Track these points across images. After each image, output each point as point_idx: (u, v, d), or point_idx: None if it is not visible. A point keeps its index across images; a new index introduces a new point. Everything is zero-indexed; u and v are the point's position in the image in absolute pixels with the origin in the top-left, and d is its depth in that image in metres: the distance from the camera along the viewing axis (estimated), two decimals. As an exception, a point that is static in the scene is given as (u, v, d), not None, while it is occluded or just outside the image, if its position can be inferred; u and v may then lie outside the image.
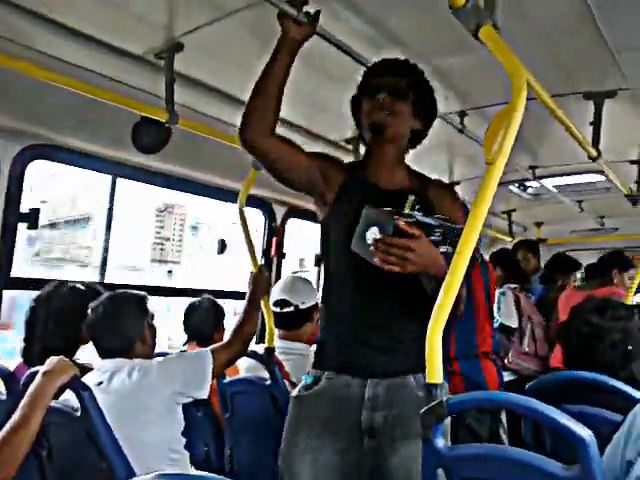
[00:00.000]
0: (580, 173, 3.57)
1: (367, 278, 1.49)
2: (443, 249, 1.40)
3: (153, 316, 1.97)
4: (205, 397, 1.86)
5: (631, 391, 1.73)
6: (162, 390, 1.77)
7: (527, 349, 3.31)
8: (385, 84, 1.59)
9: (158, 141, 2.27)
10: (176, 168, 2.64)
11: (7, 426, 1.49)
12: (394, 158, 1.66)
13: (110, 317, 1.84)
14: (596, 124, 2.38)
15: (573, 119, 2.07)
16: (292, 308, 2.53)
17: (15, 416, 1.51)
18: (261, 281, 2.22)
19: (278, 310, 2.57)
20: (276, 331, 2.59)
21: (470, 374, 2.64)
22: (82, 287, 2.09)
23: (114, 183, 2.53)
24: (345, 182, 1.63)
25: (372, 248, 1.34)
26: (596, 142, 2.39)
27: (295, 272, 2.77)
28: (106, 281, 2.64)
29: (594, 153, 2.39)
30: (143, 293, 1.96)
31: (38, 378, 1.58)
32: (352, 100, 1.72)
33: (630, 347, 1.95)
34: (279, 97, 1.51)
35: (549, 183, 3.63)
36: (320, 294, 1.75)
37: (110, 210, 2.59)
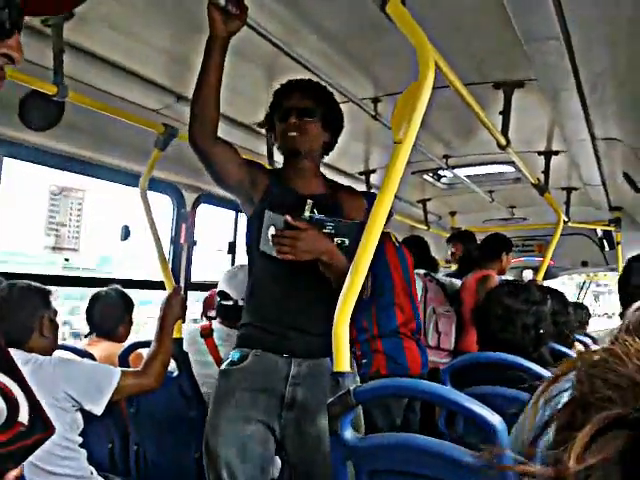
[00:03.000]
0: (491, 163, 3.66)
1: (286, 270, 1.69)
2: (338, 240, 1.64)
3: (56, 312, 1.87)
4: (98, 414, 1.74)
5: (541, 370, 1.79)
6: (53, 388, 1.67)
7: (430, 342, 3.33)
8: (294, 105, 1.78)
9: (49, 117, 2.07)
10: (72, 148, 2.44)
11: None
12: (309, 169, 1.86)
13: (7, 305, 1.75)
14: (505, 113, 2.42)
15: (484, 108, 2.08)
16: (231, 302, 2.48)
17: None
18: (174, 305, 2.05)
19: (218, 300, 2.54)
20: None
21: (392, 353, 2.69)
22: None
23: (0, 163, 2.29)
24: (268, 187, 1.82)
25: (270, 243, 1.58)
26: (505, 131, 2.43)
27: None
28: (-3, 270, 2.42)
29: (503, 142, 2.42)
30: (49, 287, 1.87)
31: None
32: (266, 117, 1.91)
33: (542, 330, 2.00)
34: (219, 95, 1.64)
35: (462, 173, 3.68)
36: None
37: (-5, 192, 2.35)
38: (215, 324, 2.52)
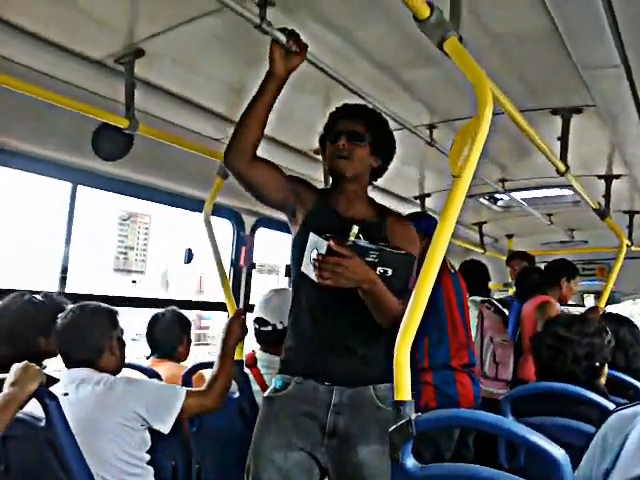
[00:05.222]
0: (549, 187, 3.60)
1: (329, 294, 1.60)
2: (380, 269, 1.57)
3: (123, 331, 1.94)
4: (166, 433, 1.78)
5: (603, 401, 1.75)
6: (122, 408, 1.73)
7: (487, 372, 3.25)
8: (344, 130, 1.76)
9: (119, 148, 2.20)
10: (140, 176, 2.57)
11: None
12: (355, 192, 1.82)
13: (78, 326, 1.82)
14: (564, 139, 2.40)
15: (541, 134, 2.07)
16: (270, 328, 2.45)
17: None
18: (236, 327, 2.05)
19: (257, 327, 2.51)
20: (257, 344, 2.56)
21: (443, 386, 2.61)
22: (39, 298, 2.02)
23: (74, 190, 2.44)
24: (314, 206, 1.80)
25: (312, 267, 1.52)
26: (564, 156, 2.41)
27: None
28: (67, 291, 2.55)
29: (562, 167, 2.40)
30: (114, 308, 1.93)
31: (7, 388, 1.49)
32: (319, 139, 1.89)
33: (597, 363, 1.97)
34: (264, 125, 1.64)
35: (519, 196, 3.64)
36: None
37: (70, 218, 2.50)
38: (258, 352, 2.50)
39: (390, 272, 1.57)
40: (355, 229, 1.60)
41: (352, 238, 1.59)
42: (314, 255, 1.52)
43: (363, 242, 1.58)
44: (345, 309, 1.67)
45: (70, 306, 1.89)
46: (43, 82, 1.93)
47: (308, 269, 1.56)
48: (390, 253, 1.58)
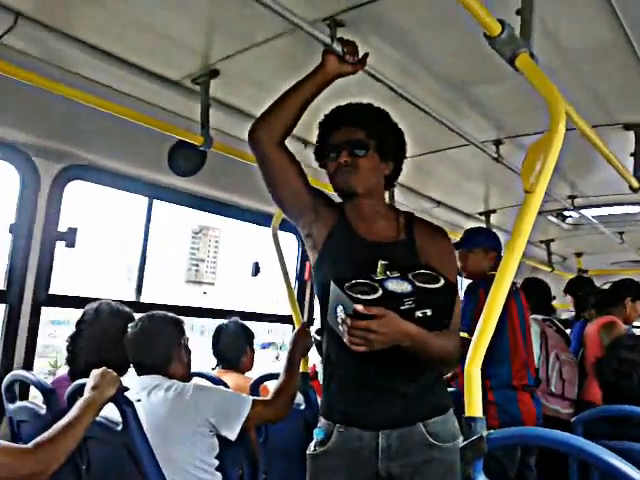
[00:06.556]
0: (621, 204, 3.49)
1: None
2: (419, 313, 1.38)
3: (188, 339, 2.01)
4: (232, 440, 1.83)
5: None
6: (191, 415, 1.79)
7: (554, 390, 3.14)
8: (344, 141, 1.55)
9: (193, 164, 2.31)
10: (211, 190, 2.68)
11: (54, 427, 1.43)
12: (372, 209, 1.62)
13: (148, 335, 1.91)
14: (637, 155, 2.33)
15: (613, 149, 2.03)
16: None
17: (63, 419, 1.47)
18: (302, 339, 2.07)
19: (319, 339, 2.54)
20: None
21: (505, 405, 2.58)
22: (123, 307, 2.13)
23: (150, 204, 2.57)
24: (333, 229, 1.61)
25: (340, 327, 1.36)
26: (638, 173, 2.34)
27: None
28: (142, 300, 2.67)
29: (636, 184, 2.33)
30: (179, 317, 2.02)
31: (88, 392, 1.57)
32: (316, 153, 1.67)
33: None
34: (296, 115, 1.54)
35: (589, 213, 3.54)
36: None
37: (146, 231, 2.62)
38: (319, 365, 2.52)
39: (430, 312, 1.39)
40: (382, 265, 1.42)
41: (380, 276, 1.41)
42: (340, 313, 1.35)
43: (394, 282, 1.39)
44: (391, 349, 1.42)
45: (139, 315, 1.98)
46: (124, 101, 2.05)
47: (335, 324, 1.39)
48: (427, 292, 1.39)
